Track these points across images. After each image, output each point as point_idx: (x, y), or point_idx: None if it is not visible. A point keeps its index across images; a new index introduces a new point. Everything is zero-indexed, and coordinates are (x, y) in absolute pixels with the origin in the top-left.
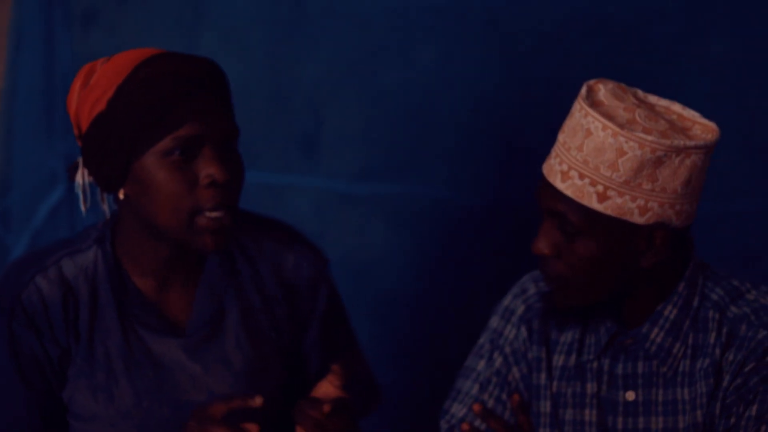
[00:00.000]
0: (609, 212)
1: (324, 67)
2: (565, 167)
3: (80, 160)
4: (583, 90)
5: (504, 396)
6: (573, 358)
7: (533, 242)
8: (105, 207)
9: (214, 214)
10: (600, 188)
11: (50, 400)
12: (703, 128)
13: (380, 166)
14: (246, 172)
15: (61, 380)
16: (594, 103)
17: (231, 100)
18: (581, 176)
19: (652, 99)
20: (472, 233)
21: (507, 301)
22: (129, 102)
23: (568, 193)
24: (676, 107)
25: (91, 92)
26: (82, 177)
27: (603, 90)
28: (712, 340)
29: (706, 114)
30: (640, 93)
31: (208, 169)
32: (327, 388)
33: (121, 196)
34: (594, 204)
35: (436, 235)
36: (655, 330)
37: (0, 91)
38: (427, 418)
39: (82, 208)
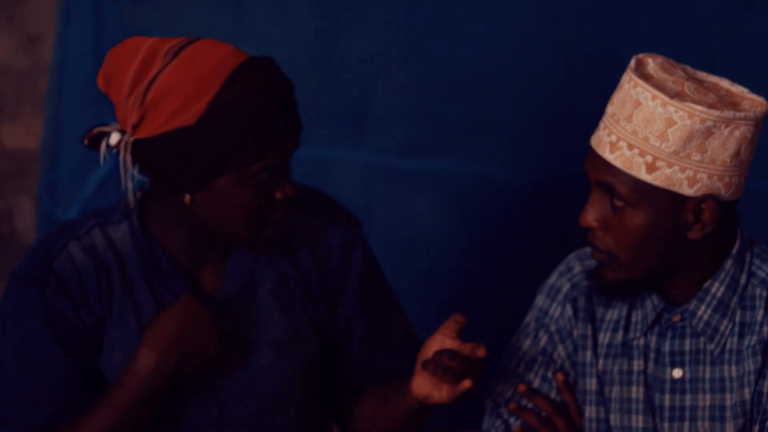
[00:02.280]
0: (658, 183)
1: (372, 41)
2: (614, 138)
3: (116, 138)
4: (633, 62)
5: (550, 374)
6: (619, 335)
7: (581, 215)
8: (129, 190)
9: (282, 226)
10: (649, 159)
11: (87, 368)
12: (751, 102)
13: (427, 141)
14: None
15: (96, 348)
16: (643, 75)
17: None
18: (630, 147)
19: (701, 75)
20: (519, 210)
21: (552, 279)
22: (224, 125)
23: (617, 164)
24: (725, 83)
25: (165, 99)
26: (129, 164)
27: (652, 63)
28: (759, 318)
29: (754, 91)
30: (689, 69)
31: (284, 188)
32: (443, 340)
33: (188, 200)
34: (643, 175)
35: (482, 211)
36: (702, 307)
37: (49, 65)
38: (470, 396)
39: (129, 196)
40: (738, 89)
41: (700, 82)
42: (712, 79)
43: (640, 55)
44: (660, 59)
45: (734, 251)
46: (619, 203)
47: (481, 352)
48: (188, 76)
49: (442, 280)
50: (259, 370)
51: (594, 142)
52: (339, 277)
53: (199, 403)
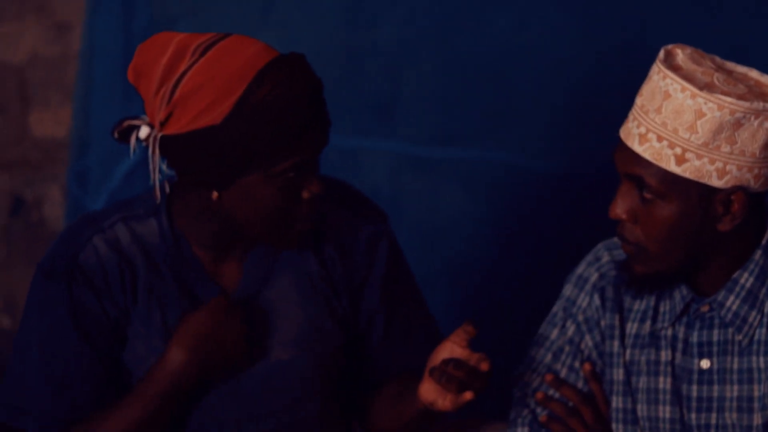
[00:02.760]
0: (687, 175)
1: (400, 31)
2: (643, 130)
3: (146, 132)
4: (661, 54)
5: (577, 364)
6: (647, 325)
7: (610, 207)
8: (157, 184)
9: (308, 223)
10: (678, 150)
11: (112, 362)
12: None
13: (456, 130)
14: None
15: (121, 341)
16: (672, 67)
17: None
18: (659, 139)
19: (730, 65)
20: (547, 200)
21: (581, 269)
22: (250, 125)
23: (646, 155)
24: (754, 73)
25: (192, 97)
26: (158, 159)
27: (681, 54)
28: None
29: None
30: (718, 59)
31: (311, 187)
32: (452, 349)
33: (215, 196)
34: (672, 167)
35: (510, 200)
36: (731, 298)
37: (78, 54)
38: (498, 385)
39: (156, 191)
40: (767, 79)
41: (729, 73)
42: (741, 69)
43: (669, 46)
44: (689, 50)
45: (764, 242)
46: (648, 195)
47: (484, 366)
48: (216, 75)
49: (469, 269)
50: (281, 366)
51: (623, 133)
52: (363, 270)
53: (220, 400)
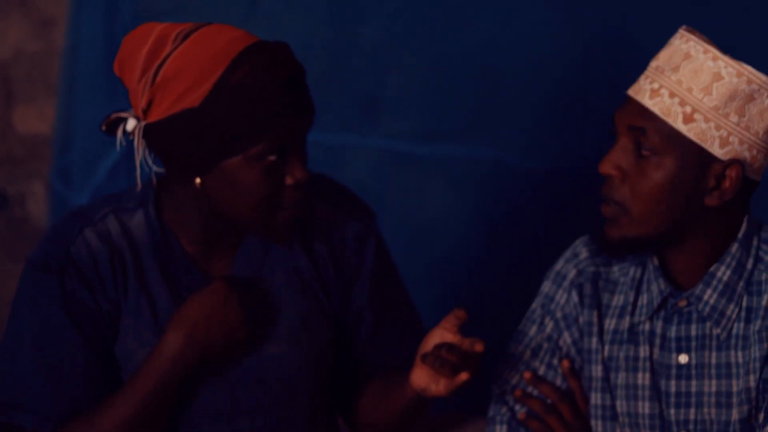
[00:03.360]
0: (691, 136)
1: (386, 27)
2: (656, 86)
3: (133, 124)
4: (683, 27)
5: (555, 361)
6: (625, 321)
7: (601, 163)
8: (138, 175)
9: (294, 211)
10: (688, 109)
11: (106, 355)
12: None
13: (441, 127)
14: None
15: (114, 334)
16: (697, 36)
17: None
18: (671, 95)
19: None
20: (533, 196)
21: (558, 266)
22: (228, 106)
23: (655, 110)
24: (748, 68)
25: (174, 80)
26: (142, 149)
27: (698, 35)
28: (765, 303)
29: None
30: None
31: (295, 172)
32: (443, 335)
33: (198, 182)
34: (678, 124)
35: (495, 197)
36: (708, 291)
37: (62, 50)
38: (482, 380)
39: (138, 182)
40: (761, 75)
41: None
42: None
43: (688, 27)
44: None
45: (740, 235)
46: (646, 152)
47: (479, 347)
48: (195, 59)
49: (454, 266)
50: (271, 359)
51: (632, 90)
52: (352, 267)
53: (211, 392)
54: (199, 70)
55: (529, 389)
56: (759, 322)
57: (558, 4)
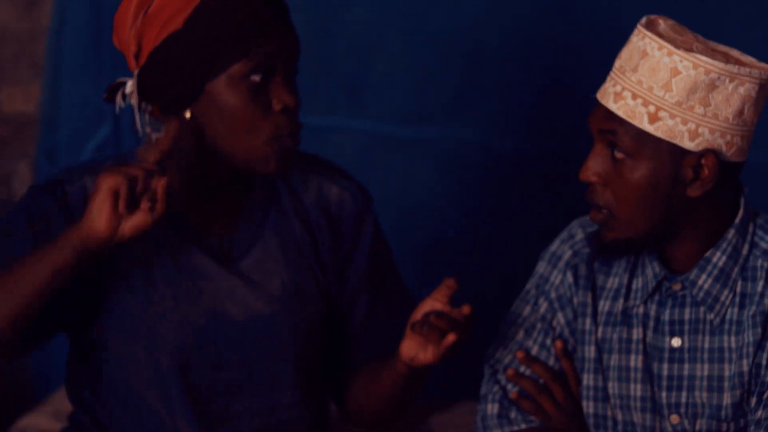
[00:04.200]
0: (659, 134)
1: (370, 9)
2: (618, 88)
3: (131, 84)
4: (643, 20)
5: (548, 342)
6: (619, 303)
7: (581, 170)
8: (148, 131)
9: (287, 140)
10: (652, 108)
11: None
12: (759, 68)
13: (426, 109)
14: None
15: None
16: (653, 32)
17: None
18: (634, 96)
19: (712, 43)
20: (517, 178)
21: (554, 246)
22: (208, 22)
23: (620, 113)
24: (735, 52)
25: (159, 14)
26: (137, 102)
27: (663, 24)
28: (760, 289)
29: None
30: (701, 37)
31: (282, 96)
32: (433, 304)
33: (188, 115)
34: (645, 125)
35: (481, 179)
36: (703, 276)
37: (47, 30)
38: (470, 361)
39: (139, 129)
40: (747, 59)
41: (709, 47)
42: (723, 48)
43: (652, 16)
44: (671, 22)
45: (737, 221)
46: (619, 155)
47: (466, 310)
48: None
49: (440, 247)
50: (259, 316)
51: (599, 94)
52: (349, 244)
53: (197, 340)
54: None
55: (522, 369)
56: (753, 307)
57: None
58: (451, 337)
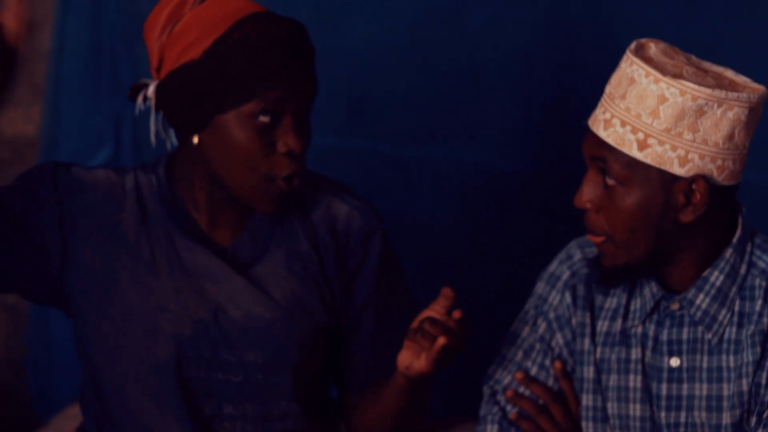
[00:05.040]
0: (648, 161)
1: (371, 29)
2: (608, 116)
3: (152, 90)
4: (633, 45)
5: (547, 362)
6: (618, 323)
7: (575, 196)
8: (153, 132)
9: (285, 183)
10: (641, 136)
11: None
12: (751, 90)
13: (426, 129)
14: None
15: (26, 251)
16: (641, 57)
17: (315, 66)
18: (623, 124)
19: (706, 64)
20: (518, 197)
21: (552, 267)
22: (226, 59)
23: (610, 141)
24: (729, 73)
25: (181, 36)
26: (152, 107)
27: (654, 48)
28: (758, 308)
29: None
30: (695, 58)
31: (287, 139)
32: (429, 314)
33: (195, 141)
34: (634, 152)
35: (481, 199)
36: (701, 296)
37: (47, 51)
38: (470, 381)
39: (152, 138)
40: (741, 78)
41: (700, 68)
42: (717, 69)
43: (643, 40)
44: (663, 45)
45: (735, 240)
46: (611, 182)
47: (456, 314)
48: (205, 18)
49: (440, 267)
50: (260, 320)
51: (590, 121)
52: (356, 261)
53: (197, 335)
54: (206, 26)
55: (521, 389)
56: (752, 327)
57: (543, 7)
58: (441, 340)
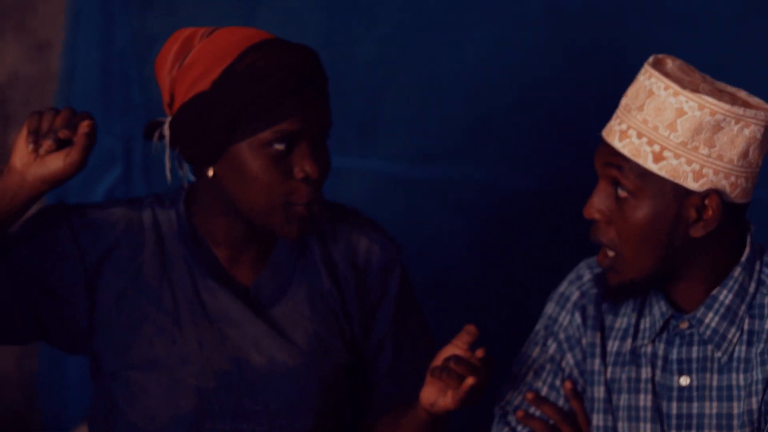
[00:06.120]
0: (663, 173)
1: (380, 49)
2: (624, 127)
3: (166, 128)
4: (651, 59)
5: (558, 382)
6: (628, 343)
7: (585, 207)
8: (168, 169)
9: (305, 208)
10: (657, 148)
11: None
12: (766, 109)
13: (435, 149)
14: None
15: (53, 309)
16: (659, 70)
17: (328, 93)
18: (639, 135)
19: (720, 84)
20: (527, 218)
21: (562, 287)
22: (235, 89)
23: (625, 152)
24: (743, 93)
25: (190, 69)
26: (167, 144)
27: (671, 64)
28: (767, 326)
29: None
30: (709, 77)
31: (303, 165)
32: (452, 351)
33: (210, 174)
34: (649, 164)
35: (491, 219)
36: (710, 314)
37: (58, 72)
38: (481, 403)
39: (168, 174)
40: (755, 100)
41: (716, 88)
42: (731, 89)
43: (660, 55)
44: (679, 61)
45: (743, 259)
46: (623, 194)
47: (480, 353)
48: (212, 50)
49: (450, 287)
50: (285, 369)
51: (605, 132)
52: (376, 295)
53: (218, 386)
54: (214, 57)
55: (532, 410)
56: (761, 345)
57: (551, 26)
58: (470, 381)
